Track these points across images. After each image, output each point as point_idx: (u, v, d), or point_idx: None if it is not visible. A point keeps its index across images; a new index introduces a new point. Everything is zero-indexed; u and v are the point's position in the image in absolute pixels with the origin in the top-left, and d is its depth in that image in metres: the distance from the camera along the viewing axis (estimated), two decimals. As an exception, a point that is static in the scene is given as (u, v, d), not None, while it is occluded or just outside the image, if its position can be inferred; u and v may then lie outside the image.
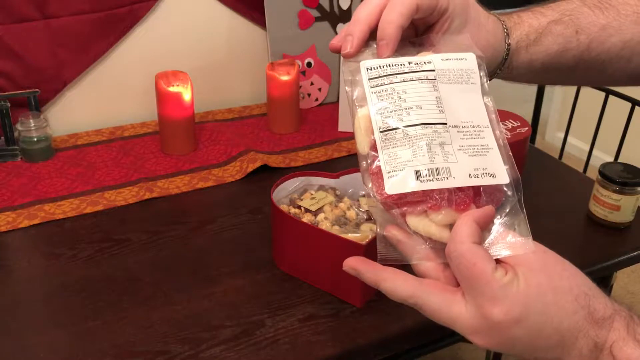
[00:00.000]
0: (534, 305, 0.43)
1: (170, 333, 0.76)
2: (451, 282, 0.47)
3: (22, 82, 1.22)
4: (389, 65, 0.52)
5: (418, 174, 0.48)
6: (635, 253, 0.95)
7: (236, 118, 1.40)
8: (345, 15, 1.46)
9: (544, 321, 0.44)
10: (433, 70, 0.52)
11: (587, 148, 1.68)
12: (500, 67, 0.60)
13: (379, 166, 0.49)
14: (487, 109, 0.52)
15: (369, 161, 0.50)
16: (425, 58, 0.52)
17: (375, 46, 0.53)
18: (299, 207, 0.88)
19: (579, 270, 0.46)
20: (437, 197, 0.48)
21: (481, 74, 0.53)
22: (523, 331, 0.44)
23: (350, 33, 0.52)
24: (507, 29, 0.59)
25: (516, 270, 0.45)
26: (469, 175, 0.48)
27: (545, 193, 1.11)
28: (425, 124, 0.49)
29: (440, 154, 0.49)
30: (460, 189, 0.48)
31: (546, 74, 0.60)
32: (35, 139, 1.16)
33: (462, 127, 0.50)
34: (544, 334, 0.44)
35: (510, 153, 0.51)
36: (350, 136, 1.32)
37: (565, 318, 0.44)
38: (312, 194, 0.90)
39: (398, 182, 0.48)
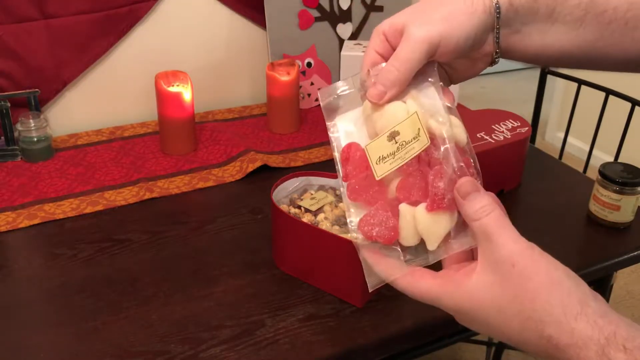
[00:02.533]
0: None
1: (170, 333, 0.76)
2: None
3: (22, 82, 1.22)
4: None
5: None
6: (635, 253, 0.95)
7: (236, 118, 1.40)
8: (345, 15, 1.46)
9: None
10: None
11: (587, 148, 1.68)
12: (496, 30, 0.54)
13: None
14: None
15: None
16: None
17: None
18: (299, 207, 0.88)
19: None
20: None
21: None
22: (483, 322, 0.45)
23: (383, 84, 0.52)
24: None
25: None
26: None
27: (545, 193, 1.11)
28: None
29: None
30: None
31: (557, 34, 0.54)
32: (35, 139, 1.17)
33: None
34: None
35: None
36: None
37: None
38: (312, 194, 0.90)
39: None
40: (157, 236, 0.96)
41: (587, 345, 0.40)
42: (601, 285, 1.08)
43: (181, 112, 1.19)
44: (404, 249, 0.48)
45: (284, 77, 1.28)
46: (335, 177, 0.94)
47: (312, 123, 1.38)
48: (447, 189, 0.46)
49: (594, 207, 1.00)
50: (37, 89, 1.21)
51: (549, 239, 0.98)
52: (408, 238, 0.48)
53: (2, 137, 1.19)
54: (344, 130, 0.52)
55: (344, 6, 1.46)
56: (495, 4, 0.52)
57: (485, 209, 0.45)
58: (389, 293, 0.84)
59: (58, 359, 0.73)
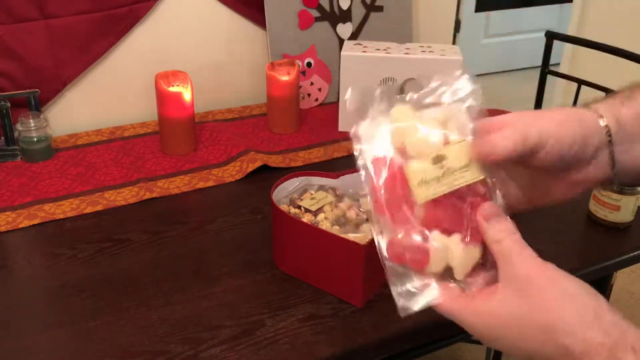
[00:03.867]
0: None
1: (170, 333, 0.76)
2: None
3: (22, 82, 1.22)
4: None
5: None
6: (635, 253, 0.95)
7: (236, 118, 1.40)
8: (345, 15, 1.46)
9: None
10: None
11: (587, 148, 1.68)
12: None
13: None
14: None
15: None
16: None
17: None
18: (299, 207, 0.88)
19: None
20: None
21: None
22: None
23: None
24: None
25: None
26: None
27: (545, 193, 1.11)
28: None
29: None
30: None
31: None
32: (35, 139, 1.16)
33: None
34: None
35: None
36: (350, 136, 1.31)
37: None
38: (312, 194, 0.90)
39: None
40: (157, 236, 0.96)
41: (598, 351, 0.42)
42: (601, 285, 1.08)
43: (181, 112, 1.19)
44: (428, 275, 0.49)
45: (284, 77, 1.28)
46: (335, 177, 0.94)
47: (312, 123, 1.38)
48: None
49: (594, 207, 1.00)
50: (37, 89, 1.21)
51: (549, 239, 0.98)
52: (436, 265, 0.48)
53: (2, 137, 1.19)
54: (370, 135, 0.50)
55: (344, 6, 1.46)
56: (605, 126, 0.52)
57: (506, 231, 0.47)
58: (389, 293, 0.84)
59: (58, 359, 0.73)
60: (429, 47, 1.30)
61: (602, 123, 0.52)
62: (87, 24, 1.24)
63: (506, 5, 3.75)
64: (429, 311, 0.80)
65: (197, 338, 0.75)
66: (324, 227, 0.83)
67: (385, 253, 0.48)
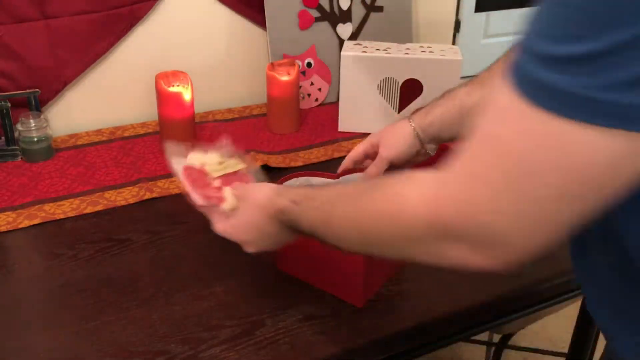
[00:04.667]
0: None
1: (170, 333, 0.76)
2: None
3: (23, 82, 1.22)
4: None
5: None
6: (635, 253, 0.95)
7: (236, 118, 1.40)
8: (345, 16, 1.46)
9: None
10: None
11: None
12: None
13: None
14: None
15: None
16: None
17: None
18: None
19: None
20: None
21: None
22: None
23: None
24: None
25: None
26: None
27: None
28: None
29: None
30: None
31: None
32: (36, 139, 1.17)
33: None
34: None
35: None
36: (350, 136, 1.32)
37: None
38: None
39: None
40: (158, 236, 0.96)
41: (275, 203, 0.69)
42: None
43: (181, 112, 1.19)
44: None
45: (284, 77, 1.28)
46: (335, 177, 0.94)
47: (312, 123, 1.38)
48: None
49: (593, 207, 1.00)
50: (37, 89, 1.21)
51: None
52: (227, 204, 0.77)
53: (3, 137, 1.19)
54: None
55: (344, 6, 1.46)
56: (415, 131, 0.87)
57: (239, 188, 0.78)
58: (389, 293, 0.84)
59: (58, 359, 0.73)
60: (428, 47, 1.30)
61: (413, 131, 0.87)
62: (87, 24, 1.24)
63: (506, 5, 3.75)
64: (429, 311, 0.81)
65: (197, 338, 0.76)
66: (324, 227, 0.83)
67: (200, 201, 0.79)
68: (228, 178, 0.81)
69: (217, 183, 0.80)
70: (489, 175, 0.45)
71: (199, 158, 0.83)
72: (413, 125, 0.87)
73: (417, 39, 1.64)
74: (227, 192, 0.78)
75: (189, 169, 0.81)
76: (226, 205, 0.77)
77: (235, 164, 0.84)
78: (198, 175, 0.80)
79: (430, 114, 0.86)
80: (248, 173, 0.83)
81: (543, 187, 0.43)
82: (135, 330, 0.77)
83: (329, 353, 0.74)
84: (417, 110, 0.88)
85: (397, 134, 0.87)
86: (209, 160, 0.83)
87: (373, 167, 0.89)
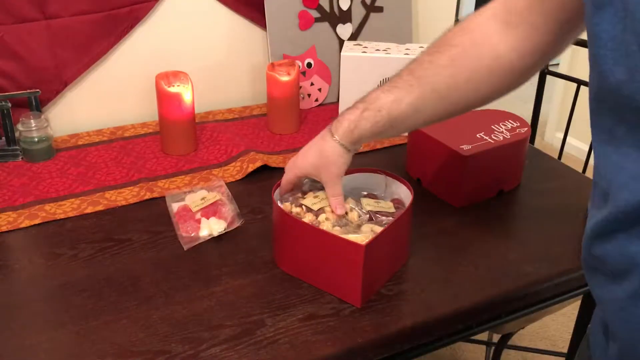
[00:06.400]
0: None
1: (170, 333, 0.76)
2: None
3: (23, 82, 1.22)
4: None
5: None
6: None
7: (236, 118, 1.40)
8: (345, 16, 1.46)
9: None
10: None
11: (587, 148, 1.68)
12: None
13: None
14: None
15: None
16: None
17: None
18: (301, 205, 0.88)
19: None
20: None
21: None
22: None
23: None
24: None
25: None
26: None
27: (544, 193, 1.11)
28: None
29: None
30: None
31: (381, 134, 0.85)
32: (36, 139, 1.17)
33: None
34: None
35: None
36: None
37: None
38: (315, 194, 0.90)
39: None
40: (158, 236, 0.96)
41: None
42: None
43: (181, 112, 1.19)
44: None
45: (284, 77, 1.28)
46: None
47: (312, 123, 1.38)
48: None
49: (593, 208, 1.00)
50: (37, 89, 1.21)
51: (548, 239, 0.98)
52: (202, 230, 0.96)
53: (3, 138, 1.19)
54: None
55: (344, 7, 1.46)
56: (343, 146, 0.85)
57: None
58: (389, 293, 0.85)
59: (58, 359, 0.73)
60: (428, 47, 1.30)
61: (345, 150, 0.85)
62: (87, 25, 1.24)
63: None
64: (429, 311, 0.81)
65: (197, 338, 0.76)
66: (324, 228, 0.83)
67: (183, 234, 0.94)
68: (207, 209, 0.97)
69: (198, 215, 0.97)
70: None
71: (190, 198, 1.00)
72: (343, 143, 0.85)
73: (417, 39, 1.65)
74: (204, 221, 0.96)
75: (179, 210, 0.98)
76: (201, 232, 0.94)
77: (214, 197, 1.00)
78: (184, 213, 0.97)
79: (358, 129, 0.83)
80: (226, 201, 1.00)
81: None
82: (136, 330, 0.77)
83: (329, 353, 0.74)
84: (337, 123, 0.85)
85: (330, 159, 0.86)
86: (196, 197, 1.00)
87: (329, 190, 0.88)
